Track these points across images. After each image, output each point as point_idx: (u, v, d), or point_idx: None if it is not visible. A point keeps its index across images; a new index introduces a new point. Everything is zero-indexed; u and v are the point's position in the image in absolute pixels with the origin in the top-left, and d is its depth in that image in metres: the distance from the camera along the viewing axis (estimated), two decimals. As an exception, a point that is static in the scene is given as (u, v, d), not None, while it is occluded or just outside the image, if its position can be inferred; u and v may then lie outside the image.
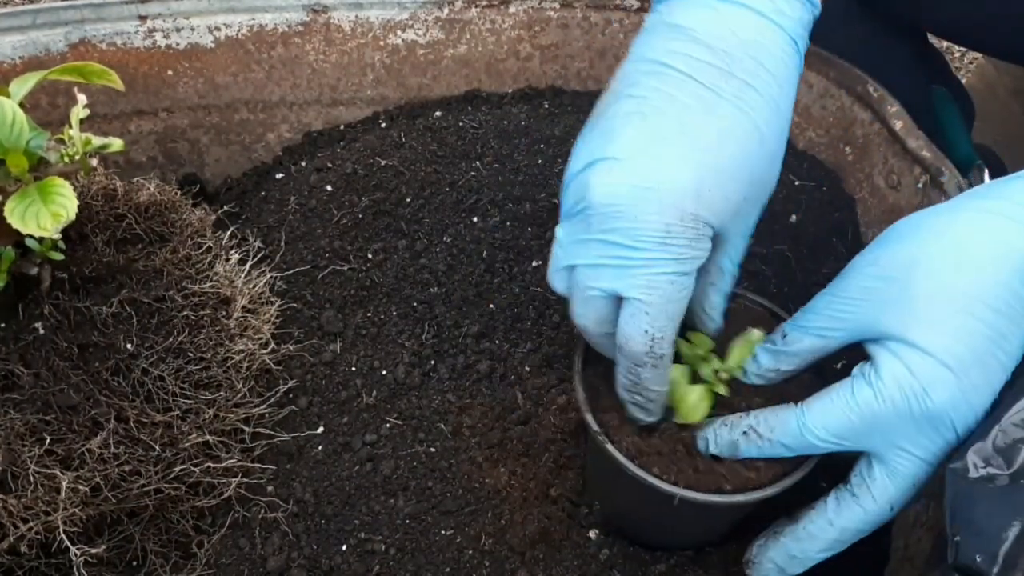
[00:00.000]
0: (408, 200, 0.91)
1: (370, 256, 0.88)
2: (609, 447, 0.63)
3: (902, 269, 0.57)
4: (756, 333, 0.65)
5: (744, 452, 0.62)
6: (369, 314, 0.85)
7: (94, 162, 0.78)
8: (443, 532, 0.73)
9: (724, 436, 0.63)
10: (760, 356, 0.64)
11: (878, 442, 0.58)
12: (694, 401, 0.64)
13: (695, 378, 0.65)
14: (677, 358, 0.65)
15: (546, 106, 1.00)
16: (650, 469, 0.63)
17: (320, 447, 0.78)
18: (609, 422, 0.65)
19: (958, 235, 0.57)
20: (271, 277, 0.86)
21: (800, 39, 0.60)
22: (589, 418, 0.65)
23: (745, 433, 0.62)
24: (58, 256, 0.72)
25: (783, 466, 0.63)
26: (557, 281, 0.63)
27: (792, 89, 0.60)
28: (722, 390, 0.64)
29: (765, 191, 0.61)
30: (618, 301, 0.60)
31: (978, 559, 0.48)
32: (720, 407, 0.65)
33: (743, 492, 0.62)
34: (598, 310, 0.61)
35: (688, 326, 0.67)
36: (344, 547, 0.73)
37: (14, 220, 0.66)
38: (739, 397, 0.65)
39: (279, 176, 0.98)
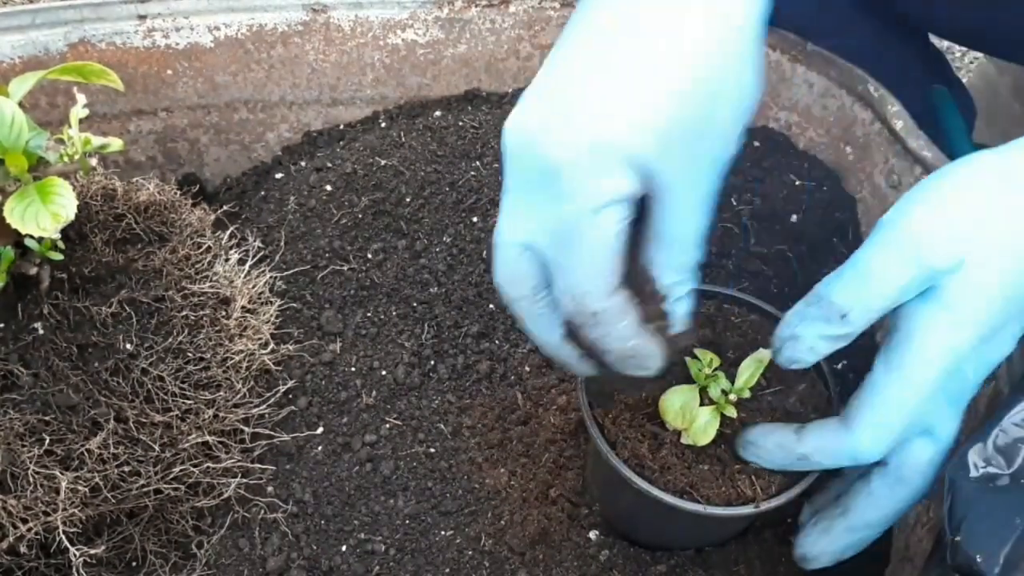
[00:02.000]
0: (408, 200, 0.91)
1: (370, 256, 0.88)
2: (613, 459, 0.62)
3: (966, 214, 0.53)
4: (766, 353, 0.62)
5: (799, 468, 0.61)
6: (369, 314, 0.85)
7: (93, 162, 0.78)
8: (443, 532, 0.73)
9: (776, 454, 0.61)
10: (819, 347, 0.57)
11: (937, 409, 0.56)
12: (702, 425, 0.62)
13: (703, 397, 0.63)
14: (687, 378, 0.64)
15: (546, 106, 1.00)
16: (656, 480, 0.62)
17: (320, 447, 0.78)
18: (614, 430, 0.64)
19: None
20: (271, 277, 0.85)
21: None
22: (594, 432, 0.64)
23: (801, 459, 0.60)
24: (57, 256, 0.72)
25: (791, 475, 0.63)
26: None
27: (744, 24, 0.50)
28: (731, 412, 0.63)
29: (708, 135, 0.50)
30: (533, 258, 0.52)
31: (978, 559, 0.48)
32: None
33: (752, 502, 0.62)
34: (512, 267, 0.53)
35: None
36: (344, 547, 0.73)
37: (13, 220, 0.66)
38: (742, 414, 0.64)
39: (279, 176, 0.98)
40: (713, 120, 0.50)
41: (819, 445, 0.59)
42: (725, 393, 0.63)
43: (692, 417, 0.62)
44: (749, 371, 0.63)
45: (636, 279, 0.53)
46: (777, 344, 0.59)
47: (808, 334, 0.57)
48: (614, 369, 0.55)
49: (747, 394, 0.63)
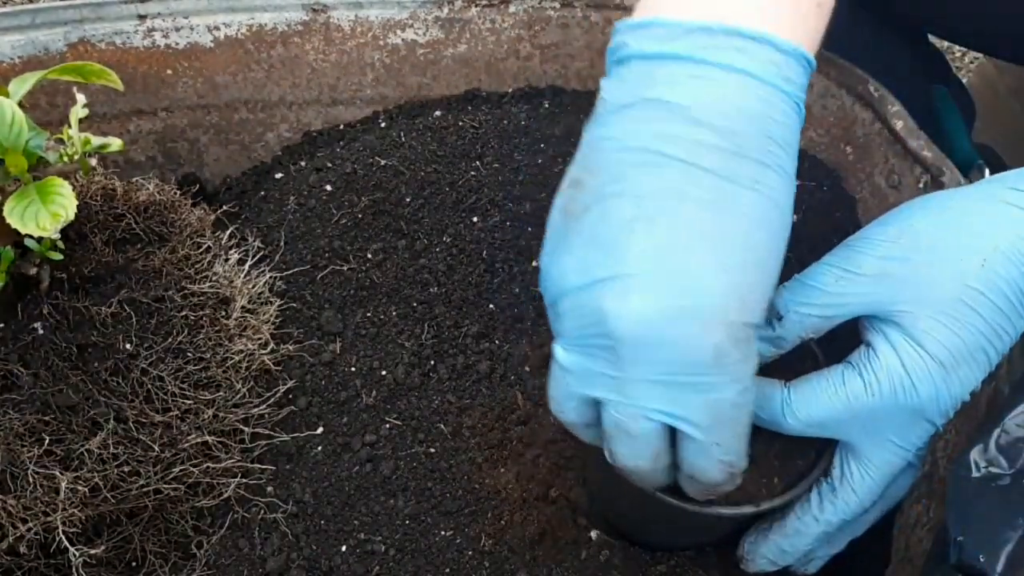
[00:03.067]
0: (408, 200, 0.91)
1: (370, 256, 0.88)
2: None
3: (920, 252, 0.55)
4: None
5: (741, 424, 0.61)
6: (369, 314, 0.85)
7: (93, 162, 0.78)
8: (443, 533, 0.73)
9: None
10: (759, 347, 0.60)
11: (858, 431, 0.58)
12: None
13: None
14: None
15: (546, 106, 1.00)
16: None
17: (320, 447, 0.78)
18: None
19: (978, 225, 0.55)
20: (270, 277, 0.85)
21: (802, 103, 0.52)
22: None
23: (735, 404, 0.60)
24: (57, 256, 0.72)
25: (794, 474, 0.63)
26: (570, 411, 0.55)
27: (796, 152, 0.53)
28: None
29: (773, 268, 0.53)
30: (671, 431, 0.53)
31: (981, 559, 0.48)
32: None
33: (752, 503, 0.62)
34: (653, 446, 0.53)
35: None
36: (344, 548, 0.72)
37: (13, 220, 0.66)
38: None
39: (279, 176, 0.98)
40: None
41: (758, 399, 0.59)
42: None
43: None
44: None
45: None
46: None
47: None
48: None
49: None
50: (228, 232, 0.88)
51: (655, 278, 0.48)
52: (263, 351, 0.79)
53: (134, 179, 0.85)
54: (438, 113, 1.00)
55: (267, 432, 0.77)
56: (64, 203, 0.68)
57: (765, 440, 0.63)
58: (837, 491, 0.61)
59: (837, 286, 0.57)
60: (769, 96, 0.50)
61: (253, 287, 0.82)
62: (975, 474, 0.52)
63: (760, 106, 0.50)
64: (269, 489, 0.76)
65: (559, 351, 0.53)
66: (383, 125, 1.00)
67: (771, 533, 0.65)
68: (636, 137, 0.49)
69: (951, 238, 0.55)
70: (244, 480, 0.74)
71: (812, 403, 0.58)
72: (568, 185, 0.52)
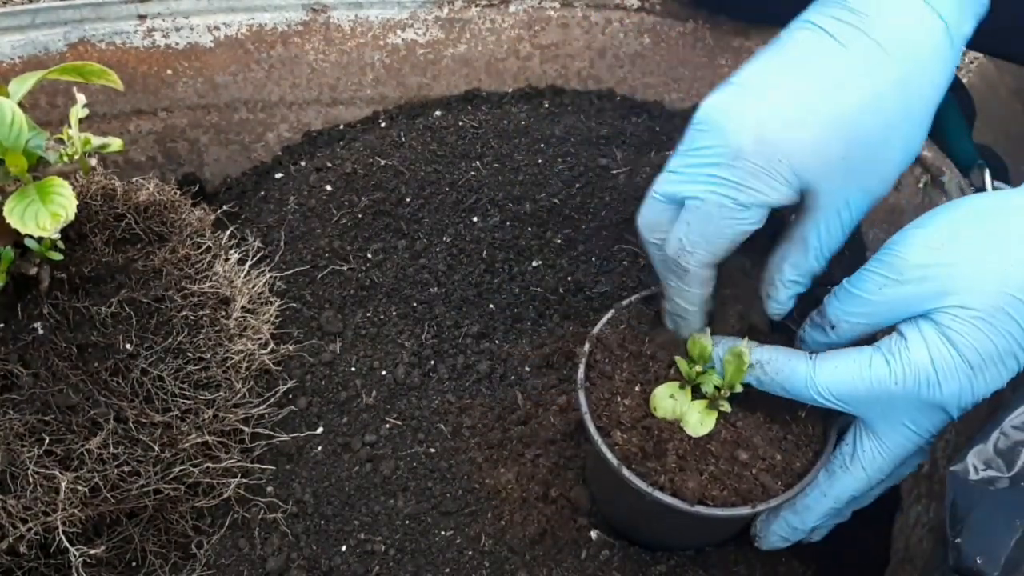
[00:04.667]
0: (408, 200, 0.91)
1: (370, 256, 0.88)
2: (611, 458, 0.63)
3: (963, 259, 0.56)
4: (743, 349, 0.63)
5: (744, 379, 0.63)
6: (369, 314, 0.85)
7: (93, 162, 0.78)
8: (443, 532, 0.73)
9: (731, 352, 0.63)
10: (811, 338, 0.64)
11: (875, 413, 0.60)
12: (697, 418, 0.64)
13: (695, 393, 0.65)
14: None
15: (546, 106, 1.00)
16: (655, 480, 0.62)
17: (320, 447, 0.78)
18: (613, 431, 0.64)
19: (1021, 232, 0.56)
20: (270, 277, 0.85)
21: (953, 21, 0.57)
22: (593, 432, 0.64)
23: (752, 366, 0.62)
24: (57, 256, 0.72)
25: (791, 475, 0.63)
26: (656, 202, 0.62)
27: (936, 73, 0.58)
28: (726, 407, 0.64)
29: (871, 169, 0.58)
30: (676, 212, 0.60)
31: (979, 561, 0.48)
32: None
33: (751, 503, 0.62)
34: (653, 212, 0.61)
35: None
36: (344, 548, 0.72)
37: (13, 220, 0.66)
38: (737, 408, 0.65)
39: (279, 176, 0.98)
40: (883, 158, 0.57)
41: (778, 356, 0.62)
42: (718, 389, 0.64)
43: (683, 411, 0.64)
44: (732, 366, 0.63)
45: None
46: (800, 336, 0.65)
47: (809, 339, 0.64)
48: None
49: (738, 389, 0.63)
50: (228, 232, 0.88)
51: (741, 86, 0.57)
52: (263, 351, 0.79)
53: (134, 179, 0.85)
54: (438, 113, 1.00)
55: (267, 432, 0.77)
56: (64, 203, 0.68)
57: (764, 441, 0.64)
58: (848, 467, 0.63)
59: (881, 294, 0.58)
60: (914, 4, 0.56)
61: (253, 287, 0.82)
62: (973, 477, 0.52)
63: (898, 2, 0.56)
64: (269, 489, 0.76)
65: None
66: (383, 125, 1.00)
67: (782, 511, 0.66)
68: (808, 12, 0.60)
69: (994, 245, 0.56)
70: (244, 480, 0.75)
71: (835, 378, 0.59)
72: None
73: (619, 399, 0.65)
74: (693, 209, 0.58)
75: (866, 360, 0.58)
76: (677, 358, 0.65)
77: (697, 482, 0.62)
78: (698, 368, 0.64)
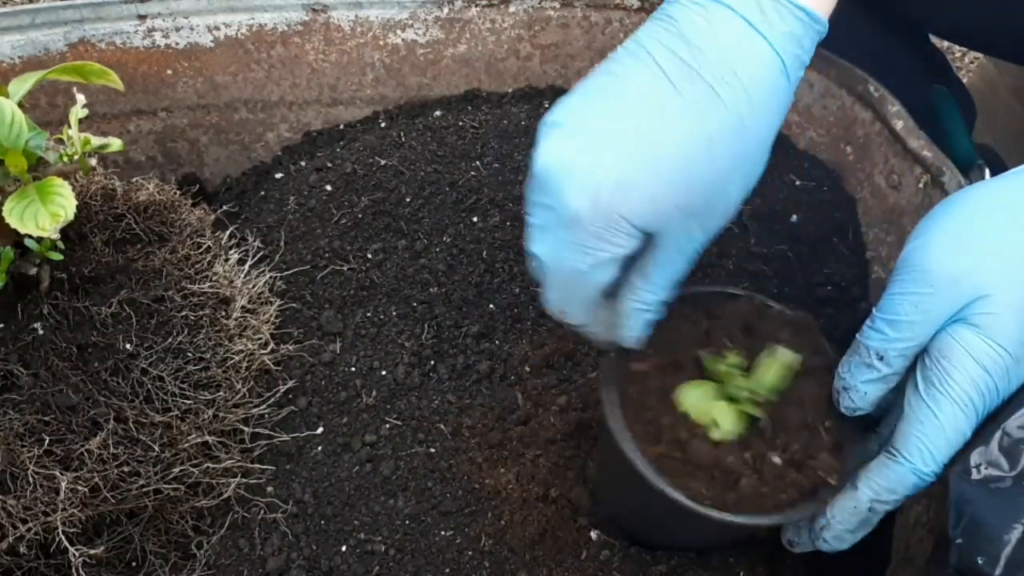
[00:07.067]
0: (408, 200, 0.91)
1: (370, 256, 0.88)
2: (634, 457, 0.61)
3: (987, 255, 0.56)
4: (786, 353, 0.62)
5: (874, 524, 0.61)
6: (369, 314, 0.85)
7: (93, 162, 0.78)
8: (443, 533, 0.73)
9: (852, 522, 0.61)
10: (869, 391, 0.61)
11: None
12: (725, 421, 0.62)
13: (722, 394, 0.63)
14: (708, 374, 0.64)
15: (546, 106, 1.00)
16: (679, 484, 0.60)
17: (320, 447, 0.78)
18: (634, 426, 0.62)
19: None
20: (270, 277, 0.85)
21: (789, 56, 0.55)
22: (618, 426, 0.62)
23: (871, 508, 0.60)
24: (57, 256, 0.72)
25: (800, 494, 0.62)
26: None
27: (771, 112, 0.56)
28: (757, 412, 0.62)
29: (710, 210, 0.57)
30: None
31: (980, 561, 0.48)
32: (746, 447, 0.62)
33: (776, 511, 0.60)
34: (533, 269, 0.60)
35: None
36: (344, 548, 0.72)
37: (13, 220, 0.66)
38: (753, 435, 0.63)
39: (278, 176, 0.98)
40: (720, 200, 0.57)
41: (881, 485, 0.59)
42: (751, 393, 0.62)
43: (709, 412, 0.62)
44: (773, 372, 0.62)
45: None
46: (835, 396, 0.63)
47: (856, 382, 0.61)
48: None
49: (774, 397, 0.62)
50: (228, 232, 0.88)
51: (570, 130, 0.55)
52: (263, 351, 0.79)
53: (134, 179, 0.85)
54: (438, 113, 1.00)
55: (267, 432, 0.77)
56: (64, 203, 0.68)
57: (797, 445, 0.62)
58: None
59: (919, 311, 0.58)
60: (746, 34, 0.54)
61: (253, 287, 0.82)
62: (976, 476, 0.52)
63: (734, 38, 0.54)
64: (269, 489, 0.76)
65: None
66: (383, 125, 1.00)
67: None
68: (643, 34, 0.57)
69: (1009, 232, 0.56)
70: (244, 480, 0.74)
71: (930, 452, 0.57)
72: None
73: (646, 399, 0.64)
74: (549, 271, 0.58)
75: (927, 411, 0.57)
76: (705, 355, 0.64)
77: (729, 488, 0.60)
78: (726, 367, 0.63)
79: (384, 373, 0.81)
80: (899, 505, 0.61)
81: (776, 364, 0.62)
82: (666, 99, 0.54)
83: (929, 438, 0.57)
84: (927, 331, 0.58)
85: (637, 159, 0.54)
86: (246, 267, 0.84)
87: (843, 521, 0.61)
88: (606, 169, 0.53)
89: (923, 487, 0.59)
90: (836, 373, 0.63)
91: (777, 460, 0.61)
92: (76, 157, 0.75)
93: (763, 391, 0.62)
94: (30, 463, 0.66)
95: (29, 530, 0.66)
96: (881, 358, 0.60)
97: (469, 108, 1.00)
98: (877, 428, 0.63)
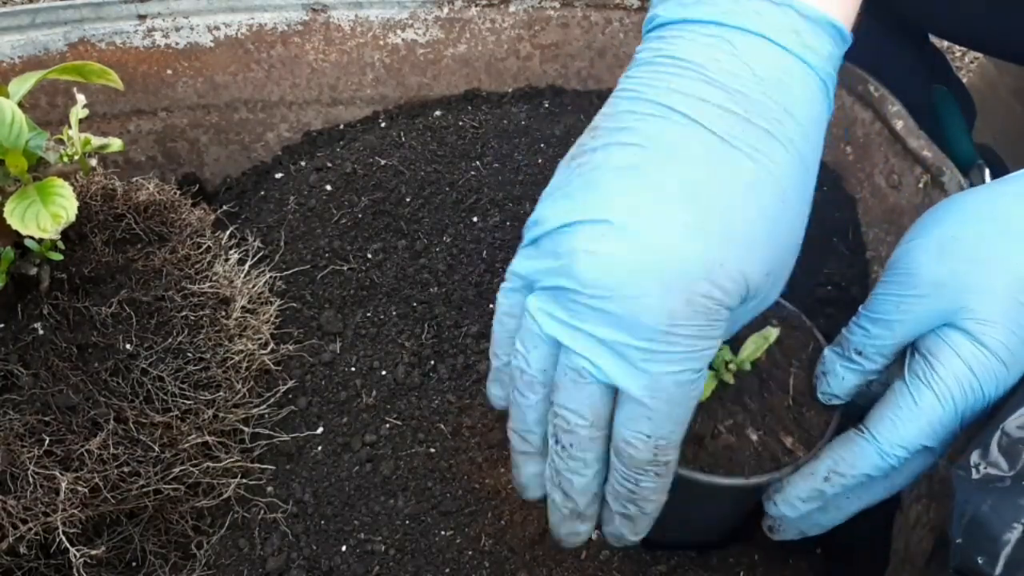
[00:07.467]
0: (408, 200, 0.91)
1: (370, 256, 0.88)
2: None
3: (969, 261, 0.56)
4: (773, 331, 0.63)
5: (831, 496, 0.61)
6: (369, 314, 0.85)
7: (93, 162, 0.78)
8: (443, 533, 0.73)
9: (804, 488, 0.61)
10: (846, 378, 0.62)
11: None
12: None
13: None
14: None
15: (546, 105, 1.00)
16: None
17: (320, 447, 0.78)
18: None
19: (1020, 226, 0.56)
20: (270, 277, 0.85)
21: (829, 79, 0.50)
22: None
23: (827, 479, 0.60)
24: (57, 256, 0.72)
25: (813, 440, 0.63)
26: (533, 357, 0.52)
27: (820, 138, 0.51)
28: (729, 379, 0.63)
29: (789, 262, 0.52)
30: (614, 392, 0.51)
31: (980, 561, 0.48)
32: (719, 409, 0.64)
33: (756, 474, 0.62)
34: (594, 400, 0.50)
35: None
36: (344, 548, 0.72)
37: (13, 221, 0.66)
38: (727, 403, 0.64)
39: (279, 176, 0.98)
40: (795, 244, 0.53)
41: (842, 456, 0.60)
42: (727, 363, 0.63)
43: None
44: (754, 345, 0.63)
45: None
46: (815, 381, 0.64)
47: (836, 369, 0.62)
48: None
49: (747, 367, 0.64)
50: (228, 232, 0.88)
51: (628, 229, 0.47)
52: (263, 351, 0.79)
53: (134, 179, 0.85)
54: (438, 113, 1.00)
55: (267, 432, 0.77)
56: (64, 204, 0.68)
57: (775, 421, 0.63)
58: (889, 478, 0.61)
59: (901, 312, 0.58)
60: (786, 63, 0.48)
61: (253, 287, 0.82)
62: (975, 476, 0.52)
63: (775, 71, 0.48)
64: (269, 489, 0.76)
65: (531, 300, 0.51)
66: (383, 125, 1.00)
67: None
68: (650, 89, 0.49)
69: (997, 242, 0.56)
70: (244, 480, 0.74)
71: (900, 434, 0.58)
72: (584, 133, 0.52)
73: None
74: (648, 402, 0.49)
75: (908, 398, 0.57)
76: None
77: (710, 455, 0.62)
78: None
79: (384, 373, 0.82)
80: (852, 491, 0.61)
81: (759, 340, 0.63)
82: (723, 156, 0.47)
83: (902, 420, 0.57)
84: (907, 332, 0.58)
85: (718, 235, 0.47)
86: (246, 267, 0.84)
87: (796, 485, 0.62)
88: (689, 259, 0.47)
89: (878, 473, 0.59)
90: (818, 361, 0.65)
91: (754, 436, 0.63)
92: (76, 157, 0.75)
93: (739, 363, 0.63)
94: (30, 463, 0.66)
95: (29, 530, 0.66)
96: (860, 353, 0.61)
97: (469, 108, 1.00)
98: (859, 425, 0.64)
